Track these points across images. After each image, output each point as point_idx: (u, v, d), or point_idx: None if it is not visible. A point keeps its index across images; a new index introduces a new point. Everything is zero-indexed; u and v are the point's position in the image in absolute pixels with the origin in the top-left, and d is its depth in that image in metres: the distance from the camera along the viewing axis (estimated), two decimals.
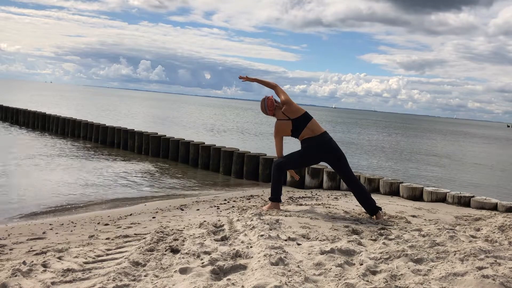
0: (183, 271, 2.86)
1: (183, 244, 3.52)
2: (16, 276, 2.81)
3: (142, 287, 2.66)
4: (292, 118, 4.97)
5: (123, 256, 3.26)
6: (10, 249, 3.83)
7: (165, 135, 11.75)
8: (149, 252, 3.31)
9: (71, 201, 6.58)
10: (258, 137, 21.30)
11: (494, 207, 6.10)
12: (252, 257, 3.14)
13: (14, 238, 4.32)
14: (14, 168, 8.94)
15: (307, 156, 5.06)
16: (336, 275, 2.85)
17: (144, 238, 3.83)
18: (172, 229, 4.08)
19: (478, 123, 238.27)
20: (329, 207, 5.43)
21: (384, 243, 3.65)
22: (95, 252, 3.39)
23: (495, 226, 4.51)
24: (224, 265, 2.93)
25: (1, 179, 7.76)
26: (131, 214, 5.64)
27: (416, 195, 6.80)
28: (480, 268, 2.95)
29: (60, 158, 10.47)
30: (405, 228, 4.39)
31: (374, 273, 2.94)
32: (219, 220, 4.46)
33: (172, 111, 45.50)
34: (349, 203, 5.88)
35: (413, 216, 5.26)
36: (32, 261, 3.08)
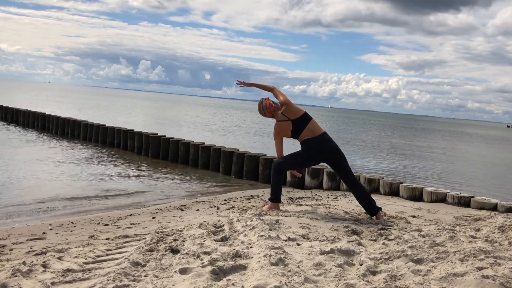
0: (183, 271, 2.86)
1: (183, 245, 3.52)
2: (16, 276, 2.81)
3: (142, 287, 2.66)
4: (292, 119, 4.97)
5: (123, 257, 3.26)
6: (10, 250, 3.83)
7: (165, 136, 11.74)
8: (149, 253, 3.31)
9: (71, 201, 6.58)
10: (258, 137, 21.30)
11: (494, 208, 6.10)
12: (252, 257, 3.14)
13: (14, 239, 4.32)
14: (14, 168, 8.93)
15: (307, 157, 5.07)
16: (336, 275, 2.85)
17: (144, 239, 3.83)
18: (172, 230, 4.08)
19: (478, 123, 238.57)
20: (329, 208, 5.43)
21: (384, 244, 3.66)
22: (95, 253, 3.39)
23: (495, 226, 4.51)
24: (224, 265, 2.93)
25: (1, 180, 7.76)
26: (131, 215, 5.64)
27: (416, 196, 6.80)
28: (480, 269, 2.95)
29: (60, 159, 10.46)
30: (405, 228, 4.39)
31: (374, 273, 2.94)
32: (219, 221, 4.46)
33: (172, 112, 45.51)
34: (349, 204, 5.88)
35: (413, 216, 5.26)
36: (32, 262, 3.09)
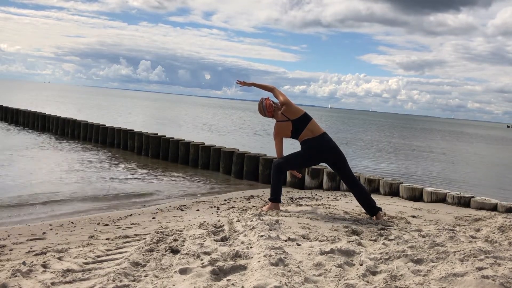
0: (183, 271, 2.86)
1: (183, 245, 3.52)
2: (16, 276, 2.81)
3: (142, 287, 2.66)
4: (292, 119, 4.97)
5: (123, 257, 3.26)
6: (10, 250, 3.83)
7: (165, 136, 11.74)
8: (149, 253, 3.31)
9: (71, 202, 6.58)
10: (257, 137, 21.30)
11: (494, 208, 6.10)
12: (252, 257, 3.14)
13: (14, 239, 4.32)
14: (14, 169, 8.93)
15: (307, 157, 5.07)
16: (336, 275, 2.85)
17: (144, 239, 3.83)
18: (172, 230, 4.08)
19: (478, 124, 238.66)
20: (329, 208, 5.43)
21: (384, 244, 3.66)
22: (95, 253, 3.39)
23: (495, 226, 4.51)
24: (224, 265, 2.93)
25: (1, 180, 7.76)
26: (131, 215, 5.64)
27: (416, 196, 6.80)
28: (480, 269, 2.95)
29: (60, 159, 10.46)
30: (405, 228, 4.39)
31: (374, 273, 2.94)
32: (219, 221, 4.46)
33: (172, 112, 45.50)
34: (349, 204, 5.89)
35: (413, 216, 5.26)
36: (32, 262, 3.09)
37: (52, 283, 2.73)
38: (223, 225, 4.25)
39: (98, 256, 3.32)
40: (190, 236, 3.82)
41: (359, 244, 3.67)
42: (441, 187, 8.52)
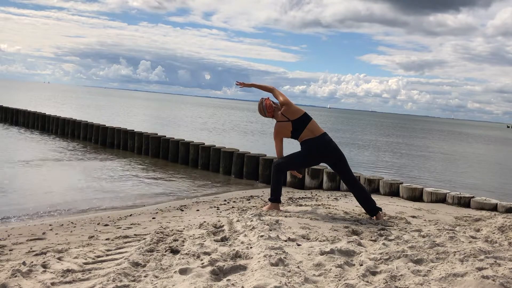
0: (183, 271, 2.86)
1: (183, 245, 3.52)
2: (16, 276, 2.81)
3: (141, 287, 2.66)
4: (292, 119, 4.97)
5: (123, 257, 3.26)
6: (10, 250, 3.83)
7: (165, 136, 11.74)
8: (149, 253, 3.31)
9: (71, 202, 6.58)
10: (257, 137, 21.30)
11: (494, 208, 6.10)
12: (252, 257, 3.14)
13: (14, 239, 4.32)
14: (14, 169, 8.93)
15: (307, 157, 5.06)
16: (336, 275, 2.85)
17: (144, 239, 3.83)
18: (172, 230, 4.08)
19: (477, 124, 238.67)
20: (329, 208, 5.43)
21: (384, 244, 3.65)
22: (95, 253, 3.39)
23: (495, 226, 4.51)
24: (224, 265, 2.93)
25: (1, 180, 7.76)
26: (131, 215, 5.64)
27: (416, 196, 6.80)
28: (480, 269, 2.95)
29: (60, 159, 10.46)
30: (405, 228, 4.39)
31: (374, 273, 2.94)
32: (219, 221, 4.46)
33: (172, 112, 45.49)
34: (349, 204, 5.88)
35: (413, 216, 5.26)
36: (32, 262, 3.09)
37: (52, 283, 2.73)
38: (223, 225, 4.25)
39: (98, 256, 3.32)
40: (190, 236, 3.82)
41: (359, 244, 3.67)
42: (441, 187, 8.52)
